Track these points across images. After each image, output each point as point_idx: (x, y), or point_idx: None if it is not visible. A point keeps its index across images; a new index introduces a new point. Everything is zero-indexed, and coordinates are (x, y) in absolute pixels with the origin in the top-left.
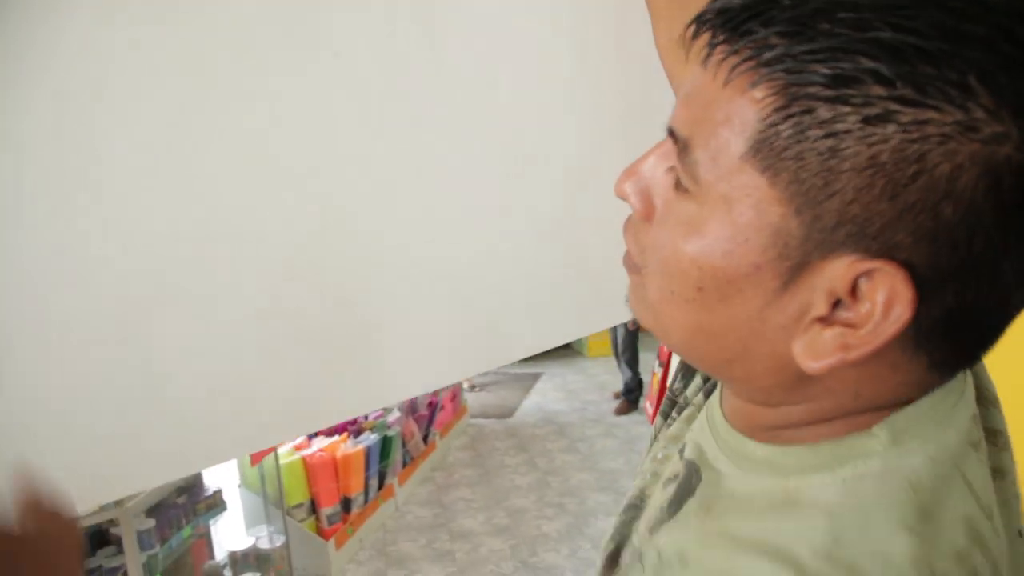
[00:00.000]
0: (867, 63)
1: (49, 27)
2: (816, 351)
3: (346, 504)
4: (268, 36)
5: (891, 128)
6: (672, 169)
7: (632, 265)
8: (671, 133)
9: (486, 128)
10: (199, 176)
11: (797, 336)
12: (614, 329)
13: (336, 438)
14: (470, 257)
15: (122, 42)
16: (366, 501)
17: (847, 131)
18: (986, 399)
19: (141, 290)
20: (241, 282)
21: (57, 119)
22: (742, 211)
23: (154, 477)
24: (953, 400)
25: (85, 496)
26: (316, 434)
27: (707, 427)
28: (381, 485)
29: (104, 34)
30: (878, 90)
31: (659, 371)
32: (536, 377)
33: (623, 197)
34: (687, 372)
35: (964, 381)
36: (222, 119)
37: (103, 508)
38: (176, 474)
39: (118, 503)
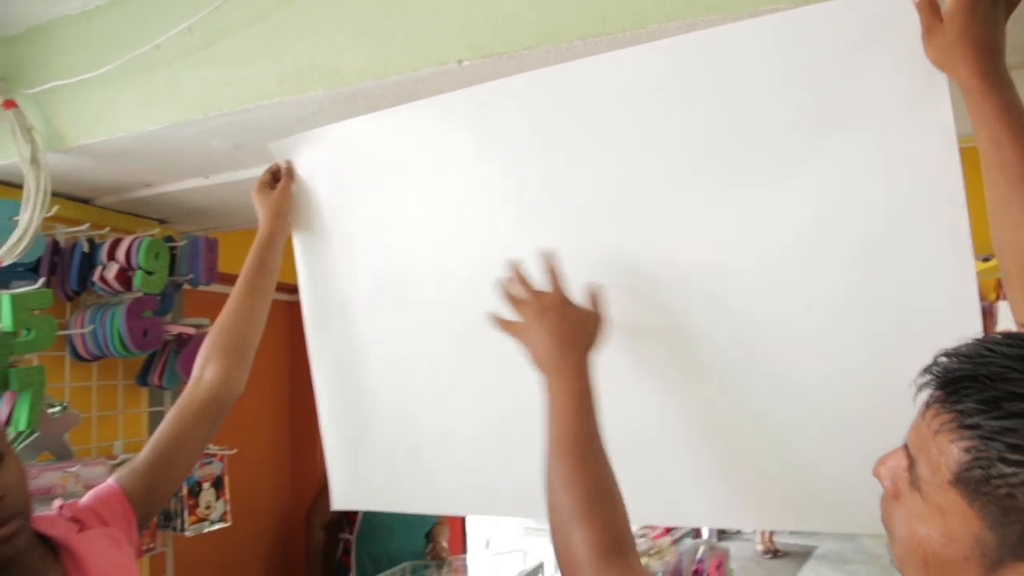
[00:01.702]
0: None
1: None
2: None
3: None
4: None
5: None
6: (908, 469)
7: (887, 529)
8: (906, 447)
9: None
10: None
11: None
12: None
13: None
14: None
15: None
16: None
17: (1019, 484)
18: None
19: None
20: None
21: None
22: (951, 519)
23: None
24: None
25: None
26: None
27: None
28: None
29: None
30: None
31: None
32: (808, 552)
33: (879, 479)
34: None
35: None
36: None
37: None
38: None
39: None
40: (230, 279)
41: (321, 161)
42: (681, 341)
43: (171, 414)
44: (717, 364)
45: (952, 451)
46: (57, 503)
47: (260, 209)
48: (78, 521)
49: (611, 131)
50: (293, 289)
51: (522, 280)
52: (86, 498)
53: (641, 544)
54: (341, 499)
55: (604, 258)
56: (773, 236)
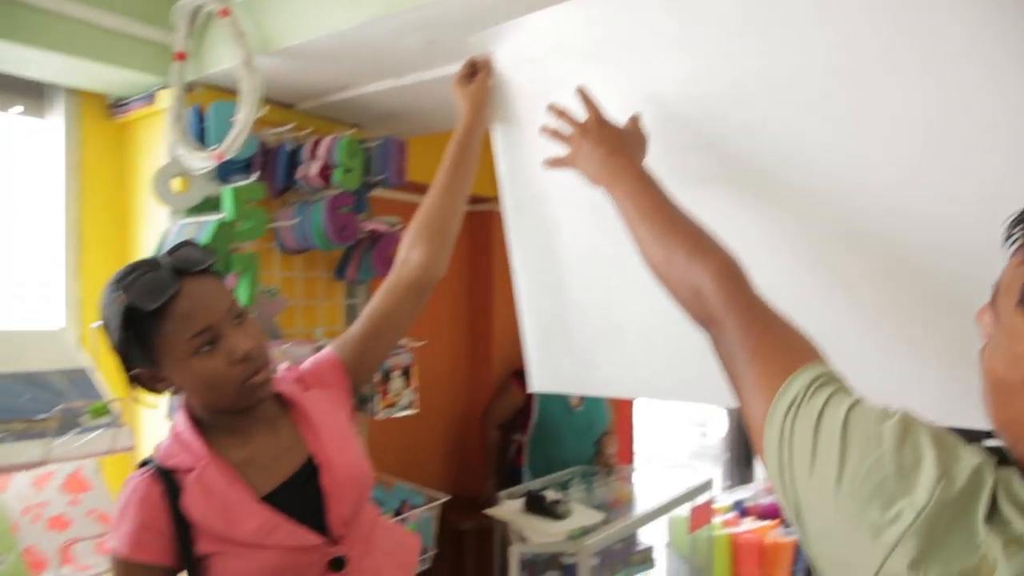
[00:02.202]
0: None
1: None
2: None
3: None
4: None
5: None
6: (991, 306)
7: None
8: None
9: None
10: None
11: None
12: None
13: (767, 523)
14: None
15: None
16: None
17: None
18: None
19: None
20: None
21: None
22: (1017, 342)
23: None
24: None
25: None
26: (746, 513)
27: None
28: None
29: None
30: None
31: None
32: None
33: (980, 324)
34: None
35: None
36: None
37: (568, 540)
38: None
39: (576, 538)
40: (416, 187)
41: (519, 52)
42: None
43: (381, 292)
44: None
45: (1017, 275)
46: (284, 365)
47: (459, 102)
48: (302, 382)
49: (827, 15)
50: (471, 199)
51: (561, 114)
52: (307, 363)
53: None
54: (539, 381)
55: (813, 143)
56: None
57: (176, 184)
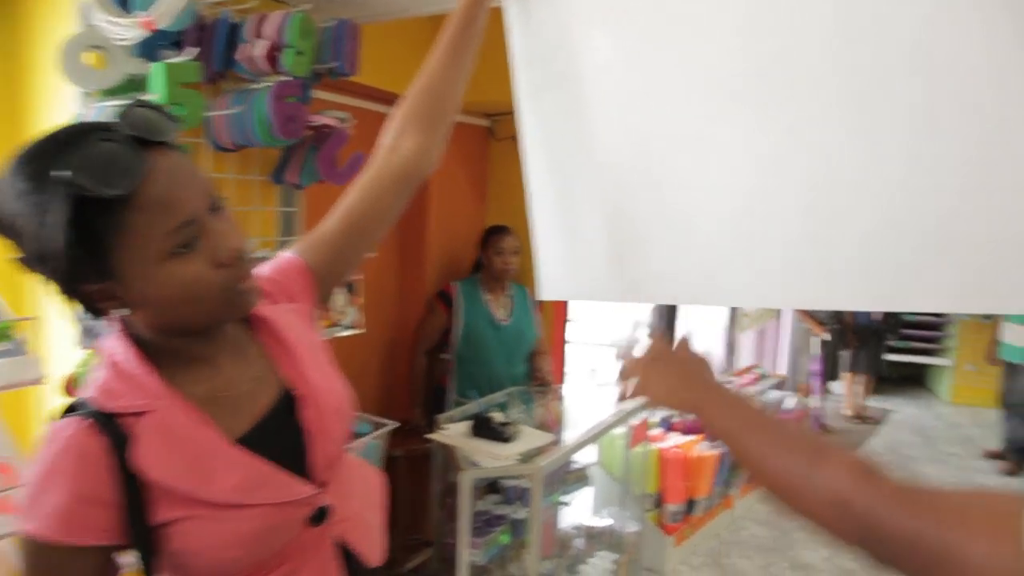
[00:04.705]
0: None
1: None
2: None
3: (690, 505)
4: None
5: None
6: None
7: None
8: None
9: None
10: None
11: None
12: (1011, 376)
13: (691, 438)
14: None
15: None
16: (708, 507)
17: None
18: None
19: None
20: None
21: None
22: None
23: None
24: None
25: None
26: (671, 428)
27: None
28: (723, 494)
29: None
30: None
31: None
32: (884, 414)
33: None
34: None
35: None
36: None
37: (520, 463)
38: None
39: (530, 461)
40: (359, 90)
41: None
42: None
43: (361, 183)
44: None
45: None
46: None
47: None
48: (265, 294)
49: None
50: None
51: (626, 353)
52: (267, 269)
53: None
54: (550, 288)
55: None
56: None
57: (90, 59)
